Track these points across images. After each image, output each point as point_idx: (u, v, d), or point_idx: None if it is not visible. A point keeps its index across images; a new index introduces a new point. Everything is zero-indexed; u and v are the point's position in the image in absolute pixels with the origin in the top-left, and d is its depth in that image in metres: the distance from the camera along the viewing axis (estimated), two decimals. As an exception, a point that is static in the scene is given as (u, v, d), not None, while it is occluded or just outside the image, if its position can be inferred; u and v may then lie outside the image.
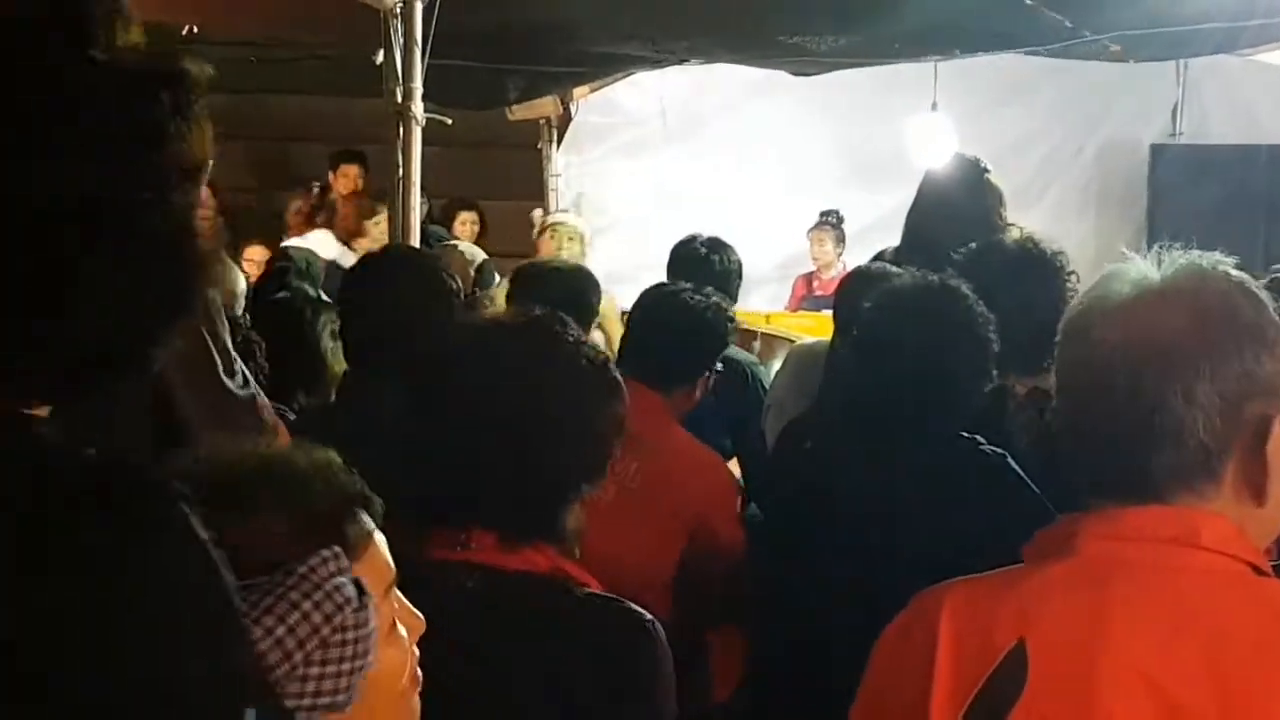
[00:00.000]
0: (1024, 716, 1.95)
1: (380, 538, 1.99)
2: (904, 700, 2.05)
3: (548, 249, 7.74)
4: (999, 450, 3.70)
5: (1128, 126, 12.44)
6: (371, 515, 1.98)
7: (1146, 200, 12.13)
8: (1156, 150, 12.23)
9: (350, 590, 1.83)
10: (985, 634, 2.01)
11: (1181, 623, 1.95)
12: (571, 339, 2.79)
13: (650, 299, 4.68)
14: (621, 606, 2.63)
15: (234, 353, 3.34)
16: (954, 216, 5.16)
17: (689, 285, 4.77)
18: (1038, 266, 4.28)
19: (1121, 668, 1.94)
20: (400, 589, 2.02)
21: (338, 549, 1.85)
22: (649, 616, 2.63)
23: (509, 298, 5.19)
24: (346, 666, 1.82)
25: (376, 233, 8.98)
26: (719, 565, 4.17)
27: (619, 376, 2.84)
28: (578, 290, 5.18)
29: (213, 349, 3.22)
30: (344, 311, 4.32)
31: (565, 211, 9.69)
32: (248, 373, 3.40)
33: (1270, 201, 11.17)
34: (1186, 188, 11.36)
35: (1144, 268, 2.07)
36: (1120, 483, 2.02)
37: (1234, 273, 2.08)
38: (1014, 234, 4.71)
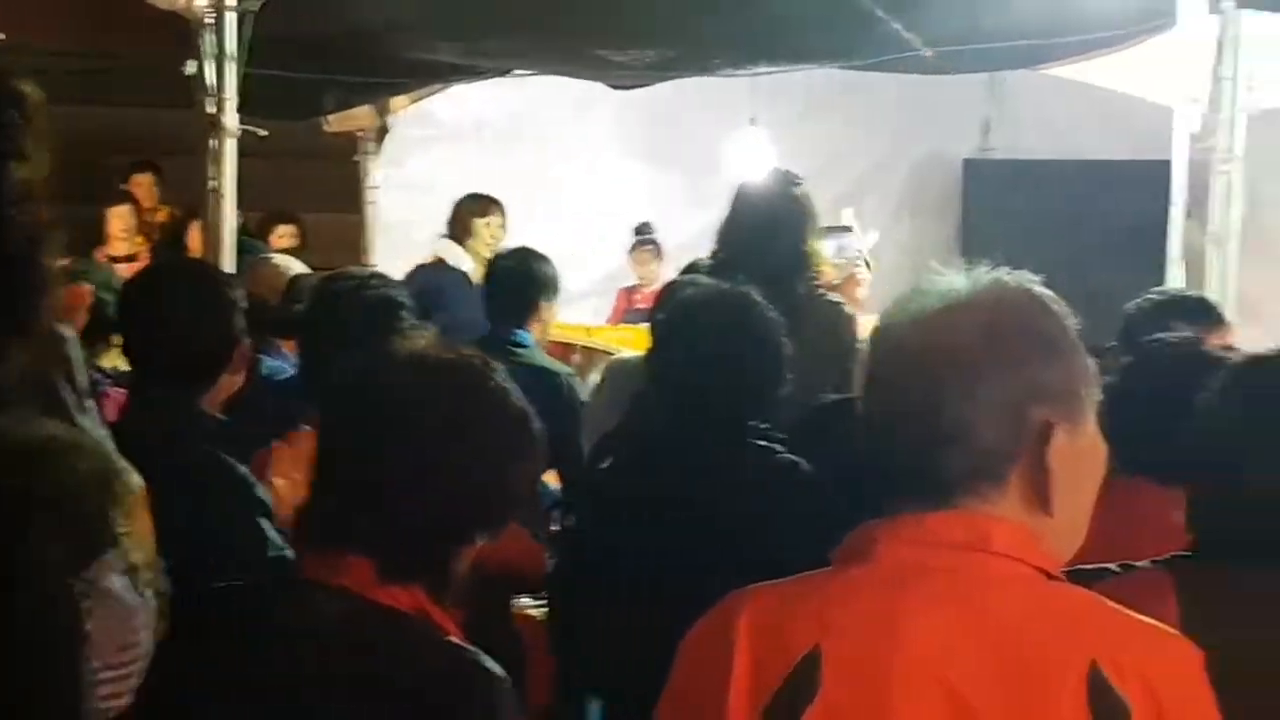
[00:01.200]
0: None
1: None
2: (704, 704, 2.08)
3: None
4: (796, 458, 3.74)
5: (941, 140, 12.62)
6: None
7: (960, 212, 12.30)
8: (969, 164, 12.41)
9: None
10: (783, 638, 2.04)
11: (974, 627, 1.99)
12: (497, 386, 2.72)
13: None
14: (472, 657, 2.56)
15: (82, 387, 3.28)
16: (765, 230, 5.21)
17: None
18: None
19: (915, 672, 1.97)
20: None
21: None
22: (500, 672, 2.57)
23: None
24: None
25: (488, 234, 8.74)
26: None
27: (536, 429, 2.80)
28: None
29: (61, 383, 3.15)
30: (120, 323, 4.27)
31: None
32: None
33: (1079, 214, 11.36)
34: (998, 200, 11.55)
35: (952, 281, 2.11)
36: (914, 487, 2.06)
37: (1036, 288, 2.13)
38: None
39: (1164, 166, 8.51)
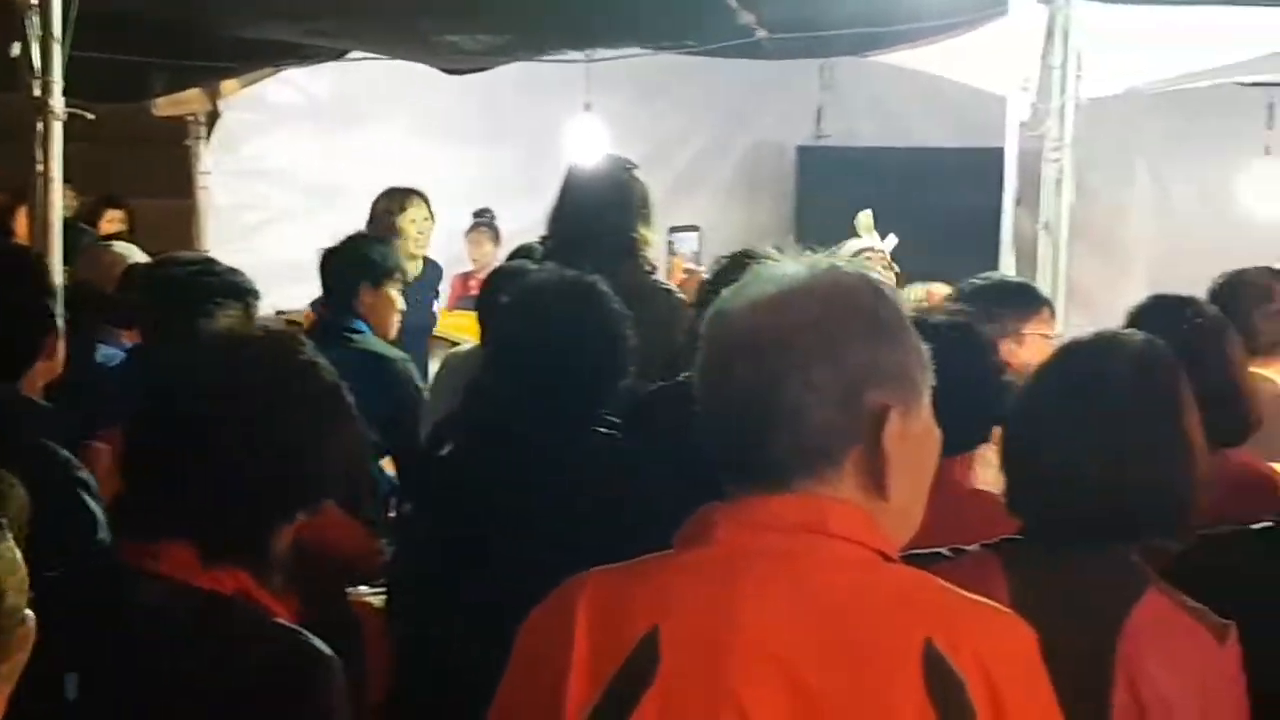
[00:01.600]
0: (656, 702, 1.99)
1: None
2: (543, 689, 2.07)
3: None
4: (632, 445, 3.75)
5: (775, 127, 12.68)
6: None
7: (794, 199, 12.38)
8: (802, 151, 12.49)
9: None
10: (621, 621, 2.04)
11: (811, 608, 2.00)
12: (304, 360, 2.71)
13: None
14: (299, 639, 2.55)
15: None
16: (593, 215, 5.21)
17: None
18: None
19: (753, 654, 1.98)
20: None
21: None
22: (329, 652, 2.56)
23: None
24: None
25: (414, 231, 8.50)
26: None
27: (349, 402, 2.77)
28: None
29: None
30: None
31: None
32: None
33: (913, 201, 11.47)
34: (831, 187, 11.62)
35: (788, 267, 2.12)
36: (753, 471, 2.07)
37: (870, 273, 2.15)
38: None
39: (996, 154, 8.59)
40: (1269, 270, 5.43)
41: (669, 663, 1.99)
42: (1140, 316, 4.16)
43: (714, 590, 2.02)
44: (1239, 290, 5.13)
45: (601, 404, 3.80)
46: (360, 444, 2.79)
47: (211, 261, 5.19)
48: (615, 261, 4.89)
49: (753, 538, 2.05)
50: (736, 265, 4.43)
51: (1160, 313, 4.10)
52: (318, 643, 2.56)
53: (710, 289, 4.37)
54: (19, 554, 1.80)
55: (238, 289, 4.91)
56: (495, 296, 4.65)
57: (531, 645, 2.15)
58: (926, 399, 2.13)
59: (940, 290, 7.07)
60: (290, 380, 2.66)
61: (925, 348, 2.14)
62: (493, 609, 3.28)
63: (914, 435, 2.10)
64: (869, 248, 6.34)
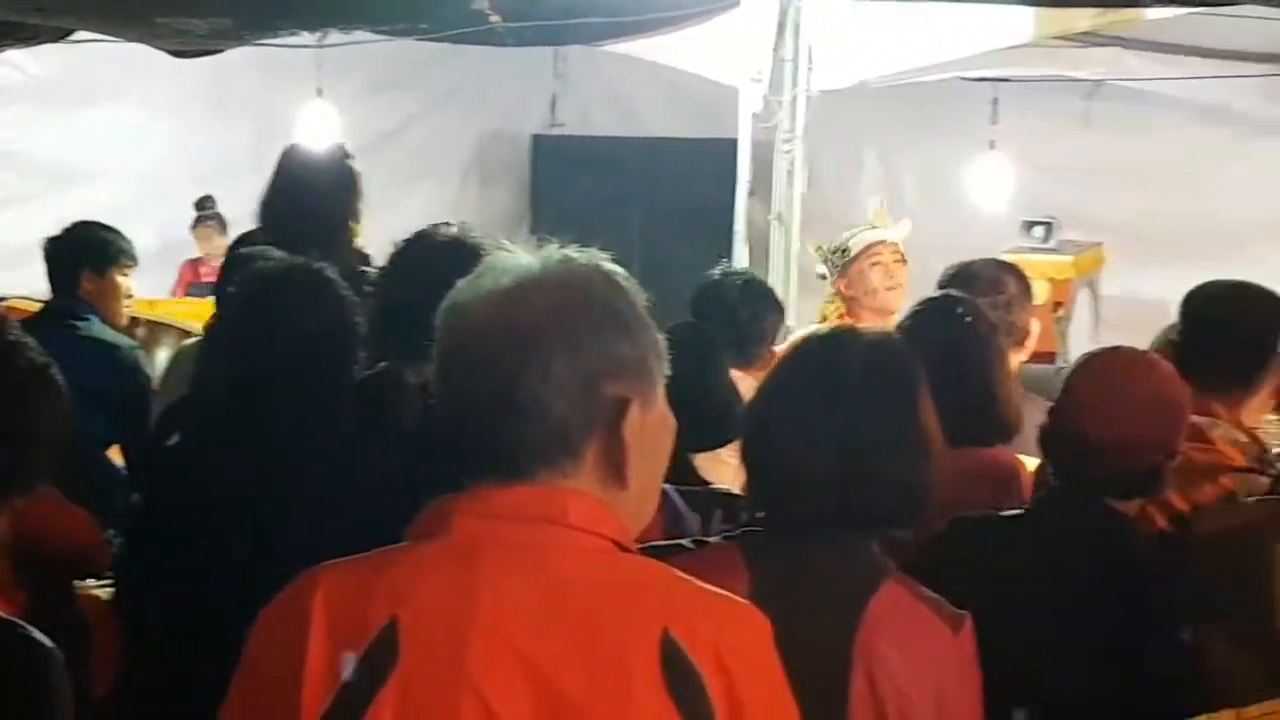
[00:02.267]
0: (394, 694, 1.97)
1: None
2: (279, 682, 2.03)
3: None
4: (367, 437, 3.73)
5: (510, 115, 12.68)
6: None
7: (529, 188, 12.39)
8: (537, 140, 12.50)
9: None
10: (359, 613, 2.01)
11: (551, 601, 2.00)
12: (12, 339, 2.66)
13: None
14: (17, 631, 2.49)
15: None
16: (303, 199, 5.15)
17: None
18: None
19: (494, 646, 1.97)
20: None
21: None
22: (48, 644, 2.50)
23: None
24: None
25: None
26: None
27: (60, 384, 2.70)
28: None
29: None
30: None
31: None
32: None
33: (646, 191, 11.55)
34: (567, 177, 11.66)
35: (521, 259, 2.12)
36: (489, 462, 2.06)
37: (606, 264, 2.14)
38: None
39: (730, 145, 8.69)
40: (996, 262, 5.56)
41: (408, 654, 1.97)
42: (914, 314, 4.25)
43: (453, 581, 2.01)
44: (967, 282, 5.24)
45: (331, 390, 3.77)
46: (70, 425, 2.72)
47: None
48: (326, 248, 4.82)
49: (491, 528, 2.03)
50: (415, 247, 4.43)
51: (933, 312, 4.18)
52: (36, 634, 2.51)
53: (390, 270, 4.34)
54: None
55: None
56: (228, 283, 4.58)
57: (266, 641, 2.11)
58: (661, 388, 2.14)
59: None
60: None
61: (660, 339, 2.16)
62: (222, 602, 3.25)
63: (651, 425, 2.11)
64: (880, 240, 6.28)
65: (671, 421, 2.17)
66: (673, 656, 1.96)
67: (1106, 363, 3.66)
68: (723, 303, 5.08)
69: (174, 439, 3.90)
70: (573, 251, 2.15)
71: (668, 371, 2.16)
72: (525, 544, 2.02)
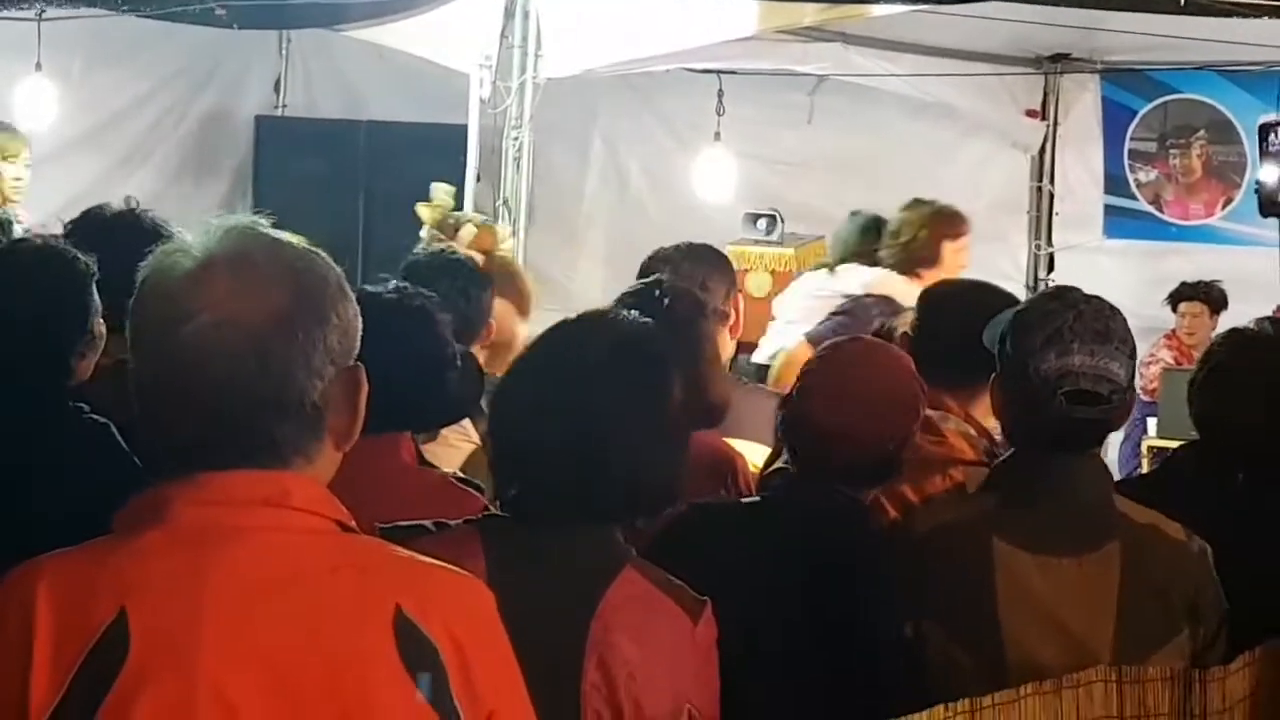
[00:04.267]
0: (128, 687, 1.94)
1: None
2: (3, 682, 1.97)
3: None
4: (101, 419, 3.67)
5: (234, 95, 12.45)
6: None
7: (252, 171, 12.21)
8: (261, 121, 12.32)
9: None
10: (85, 607, 1.97)
11: (281, 585, 1.99)
12: None
13: None
14: None
15: None
16: None
17: None
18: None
19: (225, 633, 1.96)
20: None
21: None
22: None
23: None
24: None
25: None
26: None
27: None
28: None
29: None
30: None
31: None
32: None
33: (368, 175, 11.45)
34: (291, 160, 11.49)
35: (203, 237, 2.06)
36: (204, 447, 2.03)
37: (291, 237, 2.13)
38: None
39: (459, 130, 8.67)
40: (689, 246, 5.50)
41: (139, 647, 1.94)
42: (624, 302, 4.28)
43: (180, 570, 1.98)
44: (658, 268, 5.27)
45: (63, 376, 3.72)
46: None
47: None
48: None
49: (214, 514, 2.01)
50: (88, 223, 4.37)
51: (640, 297, 4.21)
52: None
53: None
54: None
55: None
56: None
57: None
58: None
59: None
60: None
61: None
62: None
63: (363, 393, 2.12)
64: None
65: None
66: (406, 630, 1.98)
67: (841, 351, 3.75)
68: (430, 283, 5.04)
69: None
70: (229, 222, 2.11)
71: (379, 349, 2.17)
72: (250, 528, 2.01)
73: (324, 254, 2.12)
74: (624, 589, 2.78)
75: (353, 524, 2.09)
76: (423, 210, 7.19)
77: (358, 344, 2.10)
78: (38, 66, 9.65)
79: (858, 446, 3.49)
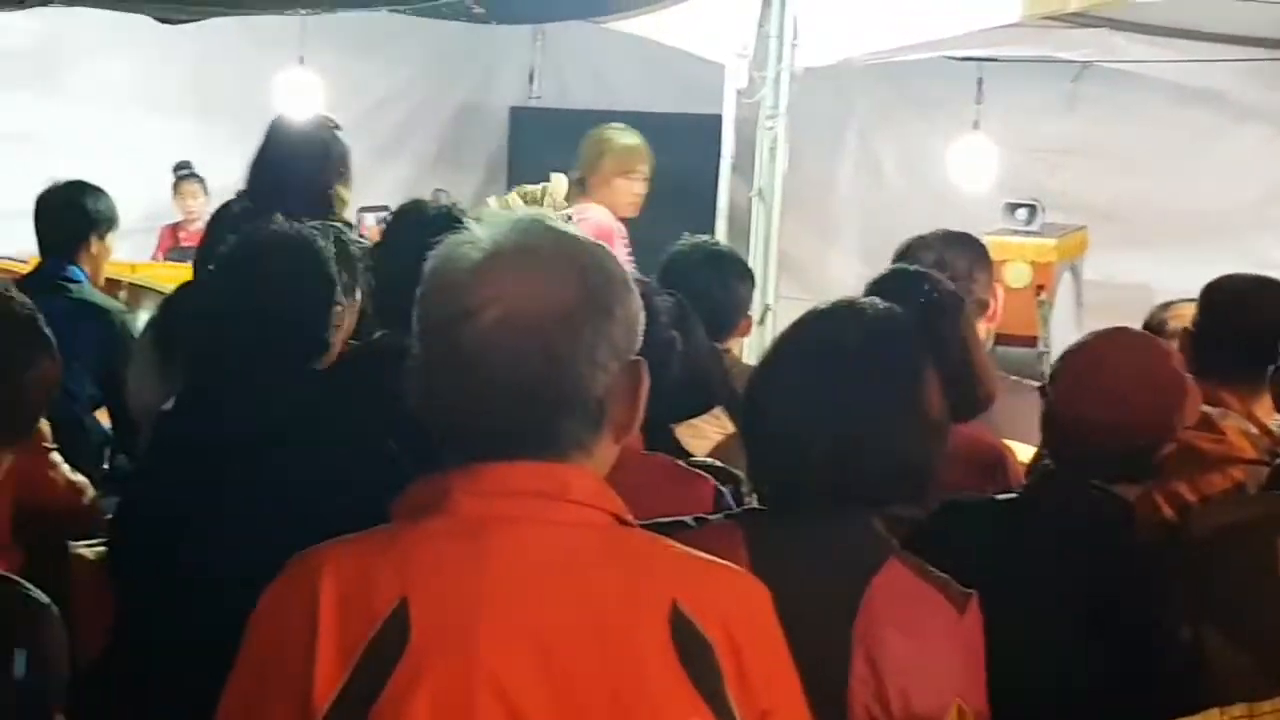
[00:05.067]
0: (407, 675, 1.95)
1: None
2: (287, 669, 2.01)
3: None
4: (359, 407, 3.72)
5: (488, 87, 12.63)
6: None
7: (506, 161, 12.34)
8: (515, 112, 12.45)
9: None
10: (367, 594, 2.00)
11: (556, 576, 2.00)
12: None
13: None
14: (18, 589, 2.50)
15: None
16: (292, 168, 5.14)
17: None
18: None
19: (502, 623, 1.97)
20: None
21: None
22: (48, 602, 2.51)
23: None
24: None
25: None
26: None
27: (49, 336, 2.70)
28: None
29: None
30: None
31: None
32: None
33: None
34: (544, 149, 11.56)
35: (496, 227, 2.08)
36: (485, 438, 2.04)
37: (576, 229, 2.13)
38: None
39: (710, 120, 8.66)
40: (944, 234, 5.40)
41: (419, 635, 1.96)
42: (877, 289, 4.21)
43: (460, 560, 2.00)
44: (914, 257, 5.20)
45: (316, 355, 3.79)
46: (58, 377, 2.72)
47: None
48: (310, 217, 4.81)
49: (495, 505, 2.02)
50: (405, 217, 4.44)
51: (896, 285, 4.15)
52: (35, 591, 2.51)
53: (384, 244, 4.36)
54: None
55: None
56: (213, 245, 4.58)
57: (271, 621, 2.09)
58: None
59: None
60: None
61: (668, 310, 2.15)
62: (212, 568, 3.24)
63: (645, 387, 2.12)
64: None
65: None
66: (682, 628, 1.97)
67: (1100, 342, 3.66)
68: (690, 274, 5.04)
69: (168, 403, 3.88)
70: (550, 218, 2.12)
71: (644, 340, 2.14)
72: (529, 520, 2.02)
73: (607, 247, 2.11)
74: (888, 580, 2.74)
75: (630, 518, 2.09)
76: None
77: (639, 338, 2.09)
78: (300, 60, 9.86)
79: (1115, 439, 3.41)
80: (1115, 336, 3.72)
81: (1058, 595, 3.28)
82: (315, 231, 3.94)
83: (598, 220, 7.19)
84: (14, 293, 2.68)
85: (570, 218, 7.21)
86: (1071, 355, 3.61)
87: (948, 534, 3.28)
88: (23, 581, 2.50)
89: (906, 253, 5.01)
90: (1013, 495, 3.61)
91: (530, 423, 2.02)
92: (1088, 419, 3.42)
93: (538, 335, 2.00)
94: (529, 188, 7.65)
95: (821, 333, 2.96)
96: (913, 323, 3.02)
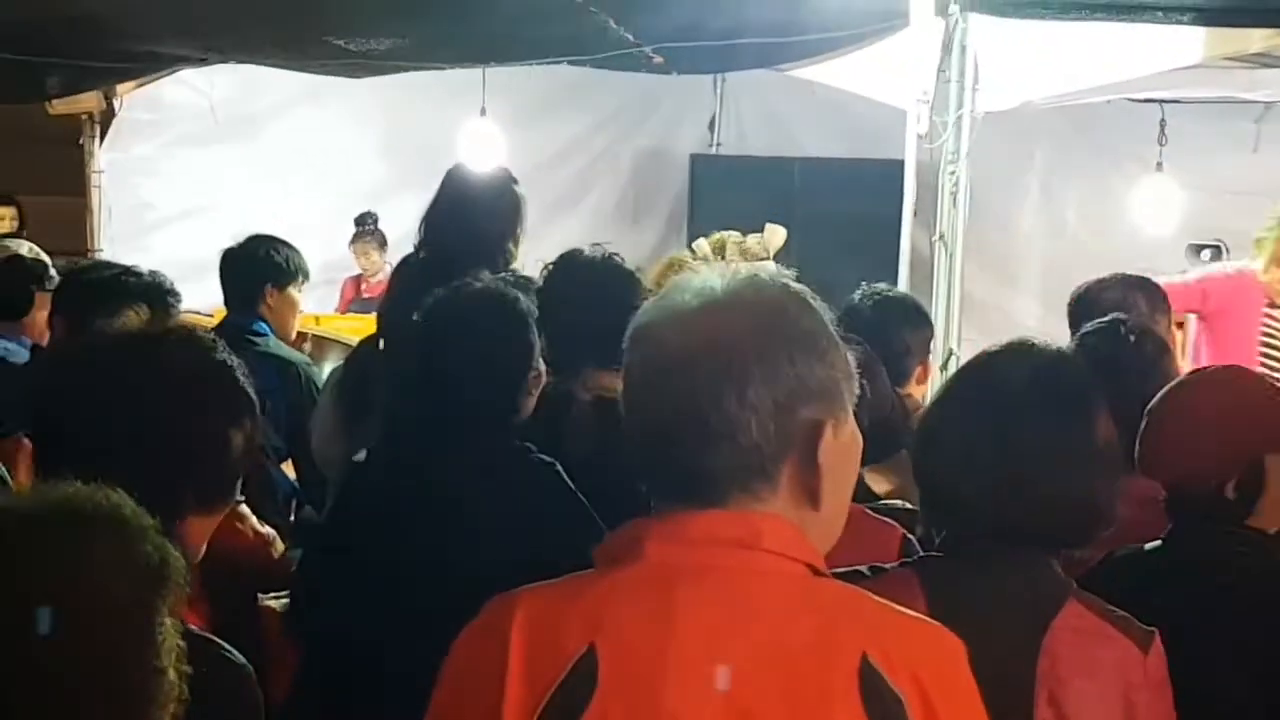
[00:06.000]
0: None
1: None
2: (476, 709, 2.04)
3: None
4: (548, 458, 3.75)
5: (668, 136, 12.70)
6: None
7: (687, 207, 12.40)
8: (696, 160, 12.51)
9: None
10: (556, 640, 2.02)
11: (746, 624, 2.00)
12: (221, 358, 2.70)
13: None
14: (217, 650, 2.53)
15: None
16: (464, 219, 5.16)
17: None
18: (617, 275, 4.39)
19: (691, 675, 1.97)
20: None
21: None
22: (244, 662, 2.56)
23: None
24: None
25: None
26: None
27: (251, 395, 2.74)
28: None
29: None
30: None
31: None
32: None
33: (802, 210, 11.51)
34: (724, 196, 11.63)
35: (708, 278, 2.12)
36: (681, 486, 2.07)
37: (793, 284, 2.15)
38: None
39: (889, 165, 8.65)
40: (1124, 278, 5.39)
41: (607, 682, 1.98)
42: (1080, 338, 4.19)
43: (649, 608, 2.02)
44: (1094, 301, 5.18)
45: (515, 413, 3.82)
46: (261, 441, 2.76)
47: (131, 268, 5.14)
48: (487, 269, 4.85)
49: (685, 553, 2.04)
50: (567, 266, 4.48)
51: (1099, 334, 4.12)
52: (232, 652, 2.54)
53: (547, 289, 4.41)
54: None
55: (159, 290, 4.87)
56: (399, 300, 4.68)
57: (463, 664, 2.13)
58: (851, 408, 2.14)
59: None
60: (179, 371, 2.65)
61: (850, 358, 2.16)
62: (404, 622, 3.27)
63: (843, 446, 2.12)
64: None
65: (859, 441, 2.17)
66: (872, 681, 1.97)
67: (1180, 384, 3.61)
68: (865, 321, 5.03)
69: (360, 455, 3.94)
70: (759, 271, 2.15)
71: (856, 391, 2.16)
72: (720, 569, 2.03)
73: (813, 299, 2.14)
74: (1069, 621, 2.73)
75: (823, 568, 2.09)
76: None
77: (836, 397, 2.11)
78: (482, 112, 9.98)
79: (1197, 478, 3.34)
80: (1198, 375, 3.67)
81: (1225, 644, 3.21)
82: (517, 292, 3.97)
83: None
84: (223, 349, 2.72)
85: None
86: (1170, 406, 3.52)
87: (1105, 589, 3.22)
88: (220, 642, 2.54)
89: (1086, 295, 4.98)
90: (1156, 544, 3.50)
91: (681, 461, 2.05)
92: (1197, 466, 3.35)
93: (687, 374, 2.04)
94: (728, 236, 7.64)
95: (989, 373, 2.96)
96: (1107, 371, 2.98)
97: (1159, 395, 3.57)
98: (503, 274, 4.89)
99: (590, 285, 4.32)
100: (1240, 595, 3.23)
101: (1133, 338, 4.08)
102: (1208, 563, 3.29)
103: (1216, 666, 3.13)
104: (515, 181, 5.41)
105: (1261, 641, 3.17)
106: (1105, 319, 4.41)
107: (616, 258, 4.48)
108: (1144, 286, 5.17)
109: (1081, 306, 5.23)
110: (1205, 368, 3.69)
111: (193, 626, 2.51)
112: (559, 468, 3.71)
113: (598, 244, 4.65)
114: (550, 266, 4.58)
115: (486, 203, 5.24)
